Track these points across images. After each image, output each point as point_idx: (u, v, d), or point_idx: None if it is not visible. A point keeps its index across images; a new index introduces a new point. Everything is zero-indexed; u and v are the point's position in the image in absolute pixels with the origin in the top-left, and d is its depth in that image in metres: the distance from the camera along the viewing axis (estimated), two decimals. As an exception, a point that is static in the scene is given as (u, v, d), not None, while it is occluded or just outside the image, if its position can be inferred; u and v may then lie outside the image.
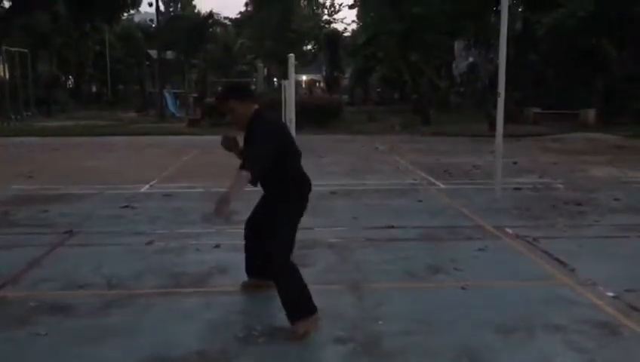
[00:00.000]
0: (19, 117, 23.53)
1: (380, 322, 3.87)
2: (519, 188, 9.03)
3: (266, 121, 3.81)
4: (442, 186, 9.45)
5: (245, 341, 3.55)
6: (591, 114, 23.16)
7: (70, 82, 50.86)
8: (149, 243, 5.83)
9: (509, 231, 6.32)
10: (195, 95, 34.54)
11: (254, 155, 3.56)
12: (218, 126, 23.40)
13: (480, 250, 5.60)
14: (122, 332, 3.70)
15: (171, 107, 30.85)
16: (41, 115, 27.46)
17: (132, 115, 32.20)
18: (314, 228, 6.49)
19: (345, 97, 43.40)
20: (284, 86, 11.41)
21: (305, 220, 6.72)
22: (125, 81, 53.15)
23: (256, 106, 3.85)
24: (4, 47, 25.95)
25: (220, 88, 3.97)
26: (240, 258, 4.41)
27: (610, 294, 4.36)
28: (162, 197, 8.42)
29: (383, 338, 3.62)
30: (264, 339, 3.57)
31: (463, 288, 4.53)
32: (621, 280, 4.62)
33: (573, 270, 4.96)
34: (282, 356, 3.37)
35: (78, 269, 4.97)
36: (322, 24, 49.71)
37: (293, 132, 7.29)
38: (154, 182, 9.76)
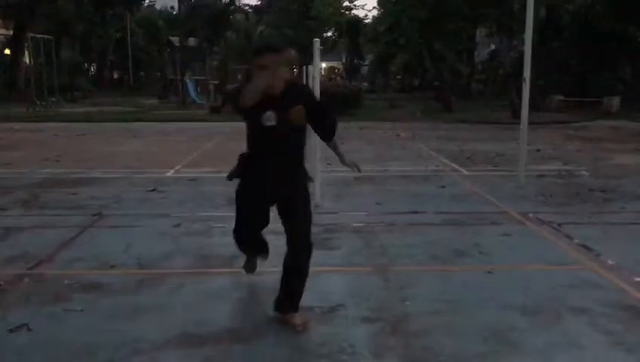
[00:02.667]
0: (43, 103, 23.84)
1: (407, 303, 3.92)
2: (543, 176, 8.99)
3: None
4: (465, 173, 9.43)
5: (275, 319, 3.62)
6: (615, 101, 22.85)
7: (92, 69, 51.39)
8: (177, 225, 5.94)
9: (534, 216, 6.32)
10: (216, 82, 34.69)
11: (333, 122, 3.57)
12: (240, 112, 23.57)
13: (505, 234, 5.62)
14: (154, 309, 3.80)
15: (192, 94, 31.01)
16: (64, 101, 27.78)
17: (153, 101, 32.45)
18: (338, 213, 6.57)
19: (365, 85, 43.25)
20: (308, 72, 11.41)
21: (329, 205, 6.90)
22: (146, 68, 53.54)
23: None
24: (29, 34, 26.26)
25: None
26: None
27: (637, 279, 4.36)
28: (187, 181, 8.54)
29: (409, 319, 3.68)
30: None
31: (488, 271, 4.56)
32: (647, 266, 4.62)
33: (598, 255, 4.96)
34: (311, 335, 3.44)
35: (109, 249, 5.10)
36: (342, 10, 49.47)
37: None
38: (179, 167, 9.89)
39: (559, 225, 5.95)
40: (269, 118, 3.31)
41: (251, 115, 3.32)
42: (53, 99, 25.18)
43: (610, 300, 3.97)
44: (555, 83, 26.80)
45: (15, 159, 10.80)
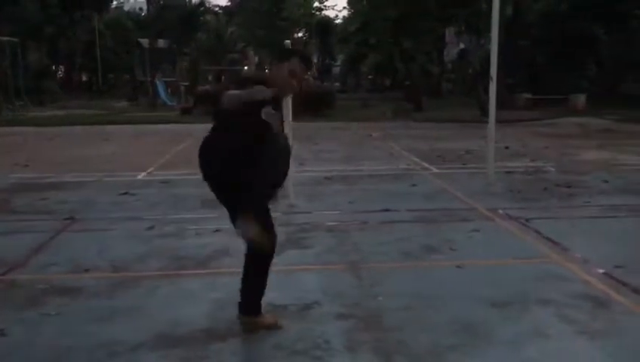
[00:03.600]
0: (10, 106, 23.43)
1: (380, 299, 4.01)
2: (511, 172, 9.19)
3: None
4: (436, 171, 9.59)
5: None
6: (581, 99, 23.38)
7: (60, 72, 50.58)
8: (150, 228, 5.94)
9: (502, 212, 6.48)
10: (187, 84, 34.46)
11: None
12: (210, 115, 23.49)
13: (474, 230, 5.75)
14: (129, 312, 3.82)
15: (163, 96, 30.79)
16: (32, 105, 27.33)
17: (123, 104, 32.12)
18: (312, 212, 6.64)
19: (337, 85, 43.43)
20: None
21: (303, 205, 6.97)
22: (115, 70, 52.86)
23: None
24: (-7, 37, 25.80)
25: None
26: (240, 241, 4.50)
27: (601, 271, 4.52)
28: (160, 184, 8.51)
29: (382, 314, 3.76)
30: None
31: (458, 266, 4.67)
32: (611, 258, 4.77)
33: (564, 248, 5.12)
34: (286, 332, 3.49)
35: (82, 253, 5.08)
36: (313, 11, 49.53)
37: (289, 118, 7.35)
38: (151, 169, 9.84)
39: (527, 220, 6.11)
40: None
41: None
42: (21, 102, 24.76)
43: (575, 291, 4.11)
44: (522, 81, 27.30)
45: (-18, 164, 10.63)
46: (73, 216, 6.45)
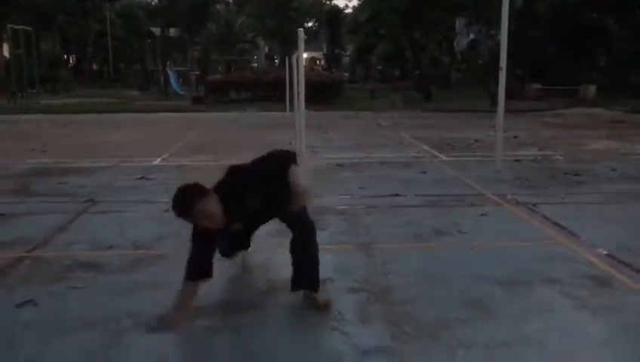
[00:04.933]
0: (25, 94, 23.72)
1: (390, 276, 4.18)
2: (520, 161, 9.31)
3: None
4: (445, 159, 9.73)
5: (267, 292, 3.86)
6: (591, 89, 23.36)
7: (72, 61, 50.92)
8: (167, 210, 6.11)
9: (510, 198, 6.62)
10: (197, 73, 34.67)
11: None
12: (223, 104, 23.68)
13: (482, 215, 5.90)
14: (152, 286, 4.01)
15: (174, 85, 31.00)
16: (45, 93, 27.64)
17: (135, 93, 32.38)
18: (323, 197, 6.80)
19: (346, 75, 43.47)
20: (292, 61, 11.60)
21: (315, 189, 7.11)
22: (126, 59, 53.17)
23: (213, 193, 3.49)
24: (8, 26, 26.03)
25: (175, 203, 3.82)
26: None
27: (605, 252, 4.66)
28: (175, 169, 8.71)
29: (393, 290, 3.93)
30: (283, 291, 3.85)
31: (466, 248, 4.83)
32: (616, 241, 4.91)
33: (571, 232, 5.26)
34: (305, 303, 3.66)
35: (103, 233, 5.28)
36: (323, 1, 49.52)
37: (302, 107, 7.54)
38: (165, 155, 10.05)
39: (534, 205, 6.25)
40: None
41: None
42: (34, 91, 25.06)
43: (580, 271, 4.26)
44: (532, 72, 27.26)
45: (0, 150, 10.87)
46: (93, 198, 6.66)
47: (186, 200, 3.40)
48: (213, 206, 3.37)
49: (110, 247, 4.85)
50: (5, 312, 3.60)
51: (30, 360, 3.01)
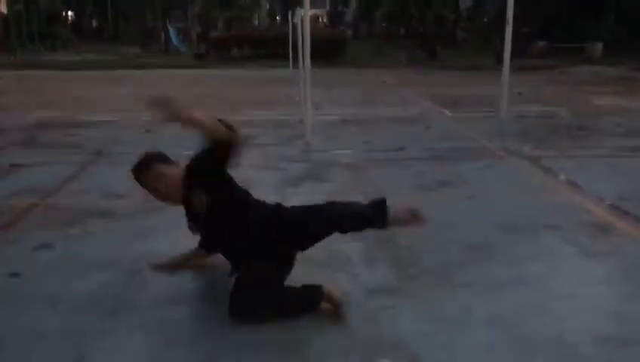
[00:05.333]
0: (25, 50, 23.60)
1: (396, 223, 4.27)
2: (524, 116, 9.34)
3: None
4: (450, 115, 9.75)
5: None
6: (598, 47, 23.12)
7: (71, 17, 50.28)
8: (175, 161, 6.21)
9: (514, 151, 6.69)
10: (198, 30, 34.29)
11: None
12: (224, 61, 23.53)
13: (486, 167, 5.99)
14: (164, 230, 4.11)
15: (175, 42, 30.73)
16: (44, 49, 27.44)
17: (135, 50, 32.10)
18: (329, 151, 6.88)
19: (349, 32, 42.94)
20: (296, 18, 11.51)
21: (320, 144, 7.20)
22: (126, 16, 52.48)
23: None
24: (6, -19, 25.72)
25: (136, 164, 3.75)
26: (260, 176, 4.78)
27: (606, 202, 4.75)
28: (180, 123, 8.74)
29: (397, 235, 4.02)
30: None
31: (469, 197, 4.93)
32: (617, 191, 4.99)
33: (573, 183, 5.34)
34: (312, 249, 3.77)
35: (113, 183, 5.36)
36: (327, -44, 48.52)
37: (307, 62, 7.50)
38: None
39: (538, 158, 6.33)
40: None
41: None
42: (34, 47, 24.90)
43: (581, 219, 4.36)
44: (539, 29, 26.93)
45: (5, 104, 10.92)
46: (101, 150, 6.74)
47: (146, 161, 3.24)
48: (168, 176, 3.12)
49: (121, 196, 4.95)
50: (24, 254, 3.72)
51: (53, 297, 3.13)
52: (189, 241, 3.84)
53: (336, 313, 2.92)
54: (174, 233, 4.00)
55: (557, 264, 3.58)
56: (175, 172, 3.15)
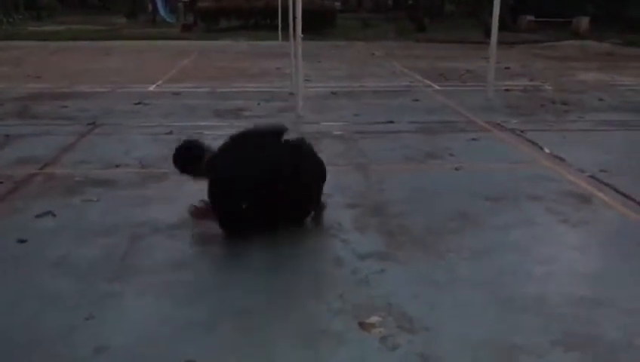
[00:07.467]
0: (11, 20, 23.25)
1: (384, 192, 4.46)
2: (510, 90, 9.50)
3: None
4: (437, 88, 9.89)
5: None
6: (584, 22, 23.21)
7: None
8: (169, 133, 6.32)
9: (499, 124, 6.86)
10: (186, 0, 33.83)
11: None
12: (213, 32, 23.35)
13: (472, 139, 6.16)
14: (163, 199, 4.27)
15: (162, 12, 30.31)
16: (31, 19, 27.03)
17: (122, 20, 31.65)
18: (319, 123, 7.01)
19: (337, 4, 42.56)
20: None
21: (310, 116, 7.33)
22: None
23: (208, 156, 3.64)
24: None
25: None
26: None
27: (587, 174, 4.96)
28: (171, 95, 8.83)
29: (387, 204, 4.22)
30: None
31: (456, 169, 5.11)
32: (598, 164, 5.19)
33: (556, 155, 5.54)
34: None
35: (110, 153, 5.49)
36: None
37: (298, 35, 7.56)
38: (160, 82, 10.12)
39: (522, 131, 6.51)
40: None
41: None
42: (20, 16, 24.52)
43: (563, 190, 4.56)
44: (526, 3, 26.92)
45: (-6, 76, 10.88)
46: (95, 121, 6.82)
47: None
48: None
49: (117, 166, 5.08)
50: (27, 222, 3.85)
51: (60, 262, 3.28)
52: (186, 211, 4.00)
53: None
54: (173, 203, 4.16)
55: (538, 231, 3.78)
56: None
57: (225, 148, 3.67)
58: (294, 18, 8.44)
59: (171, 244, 3.50)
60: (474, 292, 3.00)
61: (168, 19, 29.27)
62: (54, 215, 3.93)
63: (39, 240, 3.56)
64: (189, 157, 3.66)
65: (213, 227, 3.53)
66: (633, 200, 4.31)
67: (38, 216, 3.90)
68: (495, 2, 8.37)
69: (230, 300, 2.91)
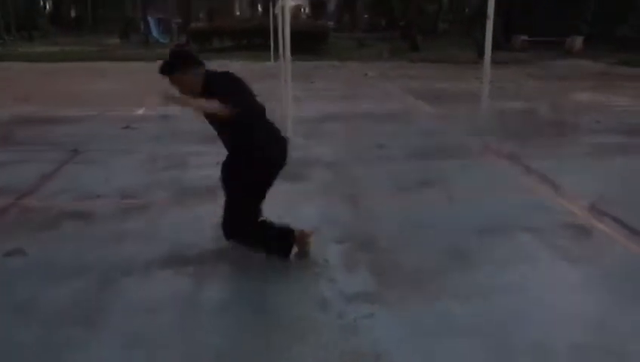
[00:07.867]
0: (1, 41, 23.14)
1: (375, 226, 4.25)
2: (505, 112, 9.36)
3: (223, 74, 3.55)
4: (431, 110, 9.74)
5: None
6: (578, 41, 23.28)
7: (49, 6, 49.36)
8: (153, 160, 6.13)
9: (494, 149, 6.70)
10: (179, 20, 33.88)
11: (235, 99, 3.23)
12: (205, 52, 23.26)
13: (466, 165, 5.99)
14: (141, 235, 4.06)
15: (155, 33, 30.32)
16: (22, 40, 26.94)
17: (115, 41, 31.62)
18: (310, 148, 6.83)
19: (331, 23, 42.73)
20: (275, 10, 11.41)
21: (302, 142, 7.14)
22: (106, 5, 51.63)
23: (204, 70, 3.46)
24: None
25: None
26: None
27: (585, 203, 4.77)
28: (159, 118, 8.64)
29: (377, 239, 4.02)
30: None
31: (448, 198, 4.92)
32: (596, 191, 5.01)
33: (552, 183, 5.36)
34: (294, 251, 3.73)
35: (90, 182, 5.29)
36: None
37: (287, 56, 7.46)
38: (149, 105, 9.93)
39: (518, 157, 6.34)
40: None
41: None
42: (11, 38, 24.43)
43: (561, 221, 4.37)
44: (520, 23, 27.01)
45: (-20, 99, 10.69)
46: (77, 148, 6.62)
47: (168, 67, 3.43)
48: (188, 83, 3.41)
49: (98, 196, 4.87)
50: (-5, 260, 3.64)
51: (24, 306, 3.06)
52: (165, 247, 3.80)
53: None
54: (151, 239, 3.95)
55: (536, 269, 3.58)
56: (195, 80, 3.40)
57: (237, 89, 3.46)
58: (284, 41, 8.33)
59: (145, 286, 3.29)
60: (468, 340, 2.79)
61: (161, 40, 29.25)
62: (25, 253, 3.71)
63: (6, 282, 3.34)
64: (182, 56, 3.55)
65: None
66: (637, 233, 4.11)
67: (7, 255, 3.68)
68: (487, 23, 8.25)
69: (207, 345, 2.70)
